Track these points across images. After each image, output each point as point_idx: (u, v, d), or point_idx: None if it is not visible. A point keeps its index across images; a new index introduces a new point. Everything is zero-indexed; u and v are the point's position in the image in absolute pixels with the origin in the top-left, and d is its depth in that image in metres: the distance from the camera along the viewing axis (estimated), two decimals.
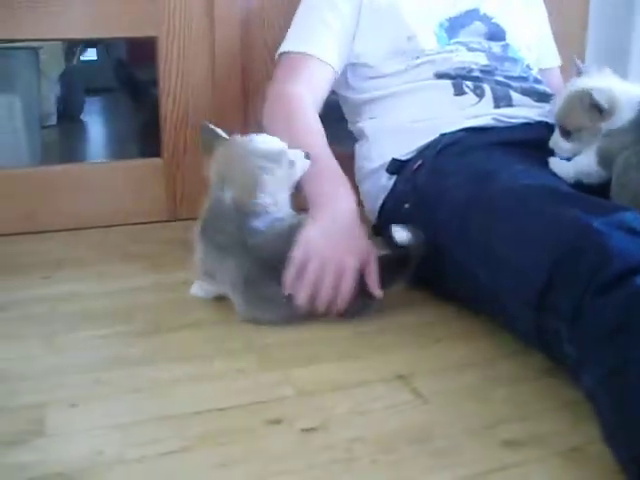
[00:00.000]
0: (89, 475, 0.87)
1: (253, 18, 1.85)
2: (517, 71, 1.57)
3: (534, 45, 1.71)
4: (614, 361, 0.88)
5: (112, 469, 0.88)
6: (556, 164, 1.32)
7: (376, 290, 1.23)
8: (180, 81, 1.81)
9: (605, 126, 1.26)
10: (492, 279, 1.15)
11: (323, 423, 0.97)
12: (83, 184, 1.82)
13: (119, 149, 3.22)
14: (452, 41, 1.57)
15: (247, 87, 1.85)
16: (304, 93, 1.49)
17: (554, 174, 1.29)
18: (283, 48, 1.59)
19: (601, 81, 1.30)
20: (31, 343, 1.21)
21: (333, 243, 1.23)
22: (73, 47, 3.63)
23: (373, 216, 1.54)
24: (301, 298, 1.21)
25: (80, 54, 3.74)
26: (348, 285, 1.21)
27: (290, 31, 1.61)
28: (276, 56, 1.61)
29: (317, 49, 1.55)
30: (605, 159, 1.27)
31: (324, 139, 1.41)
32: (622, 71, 1.91)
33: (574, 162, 1.31)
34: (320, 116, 1.49)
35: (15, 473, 0.88)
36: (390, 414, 1.00)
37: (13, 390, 1.06)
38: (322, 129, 1.43)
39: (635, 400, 0.84)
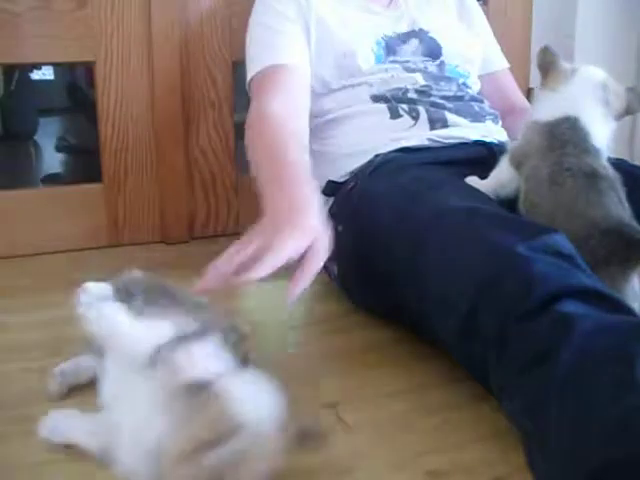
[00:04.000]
0: None
1: (193, 41, 1.84)
2: (453, 90, 1.56)
3: (475, 55, 1.71)
4: (534, 392, 0.87)
5: None
6: (475, 182, 1.32)
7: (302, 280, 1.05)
8: (119, 105, 1.79)
9: None
10: (420, 306, 1.13)
11: None
12: (19, 210, 1.79)
13: (70, 170, 3.17)
14: (389, 59, 1.56)
15: (187, 110, 1.84)
16: (282, 110, 1.42)
17: (484, 193, 1.28)
18: (249, 74, 1.54)
19: None
20: None
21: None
22: (10, 71, 3.57)
23: None
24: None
25: (18, 77, 3.66)
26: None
27: (250, 56, 1.57)
28: (247, 87, 1.56)
29: (283, 57, 1.51)
30: (514, 158, 1.27)
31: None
32: None
33: (491, 175, 1.31)
34: None
35: None
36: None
37: None
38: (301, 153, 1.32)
39: (555, 433, 0.83)
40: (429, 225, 1.14)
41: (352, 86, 1.54)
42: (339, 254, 1.39)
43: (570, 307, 0.90)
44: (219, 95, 1.88)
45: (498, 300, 0.96)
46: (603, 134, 1.25)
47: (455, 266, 1.05)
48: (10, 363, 1.23)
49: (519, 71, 2.00)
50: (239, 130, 1.63)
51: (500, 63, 1.82)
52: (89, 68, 3.35)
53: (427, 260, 1.11)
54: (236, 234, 1.85)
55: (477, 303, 0.98)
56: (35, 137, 3.73)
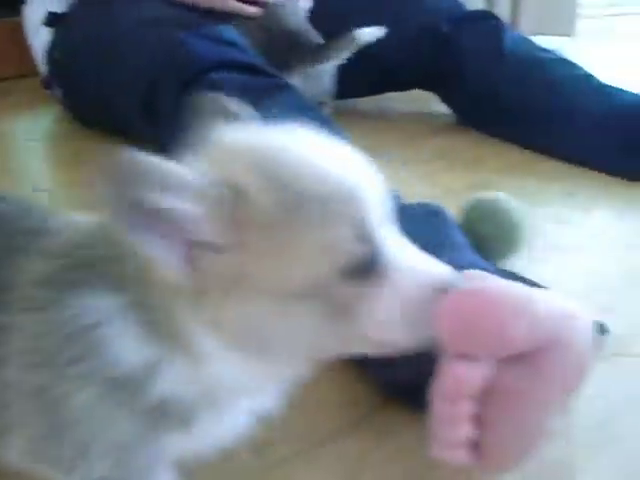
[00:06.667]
0: None
1: None
2: None
3: None
4: None
5: None
6: None
7: None
8: None
9: None
10: (110, 92, 1.37)
11: None
12: None
13: None
14: None
15: None
16: None
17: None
18: None
19: None
20: None
21: None
22: None
23: (43, 70, 1.66)
24: None
25: None
26: None
27: None
28: None
29: None
30: None
31: None
32: None
33: None
34: None
35: None
36: None
37: None
38: None
39: None
40: (119, 34, 1.37)
41: None
42: (61, 78, 1.58)
43: (221, 75, 1.15)
44: None
45: (167, 78, 1.19)
46: None
47: (137, 53, 1.28)
48: None
49: None
50: None
51: None
52: None
53: (117, 52, 1.34)
54: None
55: (153, 82, 1.22)
56: None
